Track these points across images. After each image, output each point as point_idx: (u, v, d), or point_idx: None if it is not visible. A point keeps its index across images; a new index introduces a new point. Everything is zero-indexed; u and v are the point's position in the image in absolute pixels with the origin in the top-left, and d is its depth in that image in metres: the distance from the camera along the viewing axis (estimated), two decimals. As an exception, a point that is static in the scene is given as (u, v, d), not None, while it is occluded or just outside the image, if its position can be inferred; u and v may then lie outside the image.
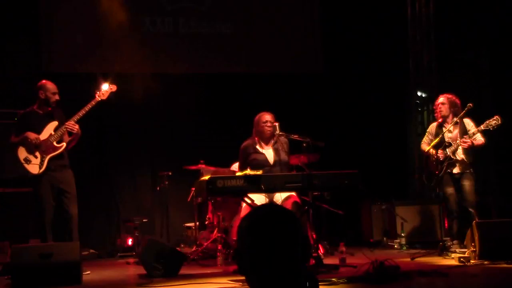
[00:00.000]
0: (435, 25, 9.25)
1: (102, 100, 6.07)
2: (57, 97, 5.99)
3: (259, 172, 5.58)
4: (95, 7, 8.46)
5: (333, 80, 9.08)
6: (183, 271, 5.71)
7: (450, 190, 6.59)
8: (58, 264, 5.03)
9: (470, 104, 6.46)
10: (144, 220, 7.94)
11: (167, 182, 7.90)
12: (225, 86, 8.83)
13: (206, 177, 5.73)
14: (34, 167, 5.79)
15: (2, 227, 6.93)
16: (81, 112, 5.95)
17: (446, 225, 7.81)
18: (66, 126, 5.89)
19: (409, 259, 6.14)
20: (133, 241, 7.70)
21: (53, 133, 5.91)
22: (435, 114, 6.89)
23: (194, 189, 7.29)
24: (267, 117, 6.03)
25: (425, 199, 8.67)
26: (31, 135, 5.83)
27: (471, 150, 6.51)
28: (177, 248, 7.00)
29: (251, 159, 6.00)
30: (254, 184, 5.29)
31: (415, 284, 4.65)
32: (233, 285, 4.85)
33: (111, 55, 8.54)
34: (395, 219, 7.80)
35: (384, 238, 7.97)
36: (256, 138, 6.11)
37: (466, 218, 6.44)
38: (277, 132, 5.93)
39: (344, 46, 9.13)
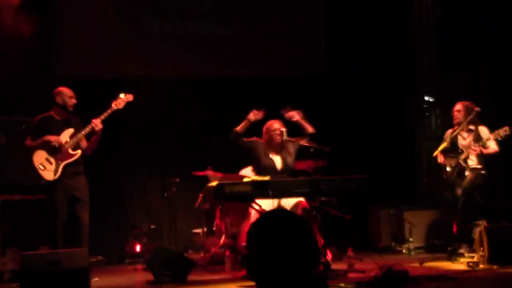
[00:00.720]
0: (436, 25, 9.22)
1: (118, 109, 6.09)
2: (74, 100, 6.04)
3: (267, 178, 5.59)
4: (98, 10, 8.53)
5: (337, 81, 9.06)
6: (191, 277, 5.72)
7: (459, 191, 6.60)
8: (66, 271, 5.03)
9: (478, 109, 6.47)
10: (152, 227, 7.96)
11: (175, 189, 7.92)
12: (231, 90, 8.81)
13: (214, 183, 5.74)
14: (49, 173, 5.82)
15: (11, 234, 6.95)
16: (102, 117, 5.99)
17: (454, 229, 7.78)
18: (93, 122, 5.91)
19: (417, 264, 6.12)
20: (141, 248, 7.72)
21: (68, 140, 5.95)
22: (453, 121, 6.85)
23: (202, 195, 7.30)
24: (276, 125, 6.04)
25: (433, 203, 8.65)
26: (52, 138, 5.86)
27: (482, 157, 6.52)
28: (185, 254, 7.01)
29: (259, 162, 6.00)
30: (262, 190, 5.29)
31: (423, 289, 4.64)
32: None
33: (113, 58, 8.55)
34: (403, 224, 7.78)
35: (393, 243, 7.95)
36: (266, 143, 6.12)
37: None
38: (285, 138, 5.94)
39: (348, 46, 9.10)
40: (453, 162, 6.66)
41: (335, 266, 5.78)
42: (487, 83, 8.77)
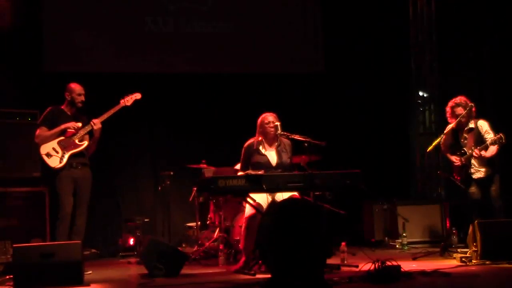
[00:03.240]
0: (437, 24, 9.25)
1: (126, 107, 6.23)
2: (82, 98, 6.14)
3: (261, 172, 5.58)
4: (96, 6, 8.51)
5: (334, 79, 9.08)
6: (185, 271, 5.72)
7: (472, 189, 6.39)
8: (59, 264, 5.03)
9: (472, 104, 6.40)
10: (145, 220, 7.94)
11: (168, 182, 7.91)
12: (226, 86, 8.83)
13: (208, 177, 5.73)
14: (54, 160, 5.90)
15: (4, 226, 6.93)
16: (105, 115, 6.12)
17: (448, 225, 7.81)
18: (93, 121, 6.01)
19: (410, 259, 6.14)
20: (134, 241, 7.71)
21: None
22: (448, 119, 6.59)
23: (195, 188, 7.29)
24: (270, 118, 6.02)
25: (427, 199, 8.68)
26: (69, 124, 5.98)
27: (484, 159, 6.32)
28: (179, 248, 7.01)
29: (253, 161, 5.97)
30: (256, 184, 5.29)
31: (416, 284, 4.65)
32: (235, 285, 4.84)
33: (112, 54, 8.56)
34: (396, 219, 7.80)
35: (386, 238, 7.97)
36: (260, 138, 6.08)
37: None
38: (279, 132, 5.92)
39: (346, 45, 9.12)
40: (458, 159, 6.45)
41: (328, 260, 5.76)
42: (488, 83, 8.78)
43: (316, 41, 9.32)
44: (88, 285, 5.08)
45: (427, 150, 6.90)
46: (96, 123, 6.05)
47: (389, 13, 9.19)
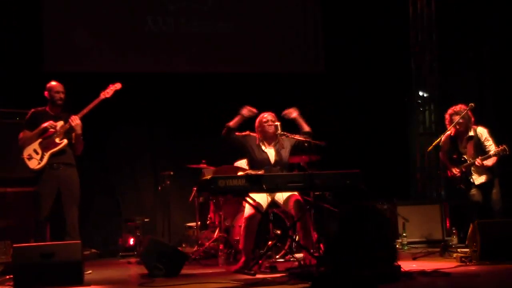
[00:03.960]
0: (437, 24, 9.26)
1: (106, 98, 6.09)
2: (61, 95, 6.04)
3: (261, 172, 5.58)
4: (96, 6, 8.52)
5: (334, 79, 9.08)
6: (185, 270, 5.71)
7: (473, 191, 6.37)
8: (59, 264, 5.02)
9: (472, 104, 6.39)
10: (145, 220, 7.95)
11: (168, 182, 7.91)
12: (227, 86, 8.83)
13: (208, 177, 5.72)
14: (33, 161, 5.83)
15: (3, 226, 6.93)
16: (85, 110, 5.99)
17: (447, 225, 7.81)
18: (71, 118, 5.92)
19: (410, 259, 6.14)
20: (134, 241, 7.72)
21: (58, 129, 5.96)
22: (447, 125, 6.55)
23: (195, 188, 7.29)
24: (268, 116, 6.02)
25: (427, 199, 8.68)
26: (46, 123, 5.88)
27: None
28: (179, 248, 7.01)
29: (252, 155, 5.97)
30: (256, 184, 5.28)
31: (416, 284, 4.64)
32: (235, 285, 4.84)
33: (113, 54, 8.57)
34: (396, 219, 7.80)
35: (386, 238, 7.96)
36: (259, 136, 6.08)
37: None
38: (279, 131, 5.92)
39: (346, 45, 9.13)
40: (458, 170, 6.43)
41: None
42: (488, 83, 8.78)
43: (316, 41, 9.34)
44: (88, 285, 5.08)
45: (427, 150, 6.90)
46: (74, 120, 5.91)
47: (389, 13, 9.20)
